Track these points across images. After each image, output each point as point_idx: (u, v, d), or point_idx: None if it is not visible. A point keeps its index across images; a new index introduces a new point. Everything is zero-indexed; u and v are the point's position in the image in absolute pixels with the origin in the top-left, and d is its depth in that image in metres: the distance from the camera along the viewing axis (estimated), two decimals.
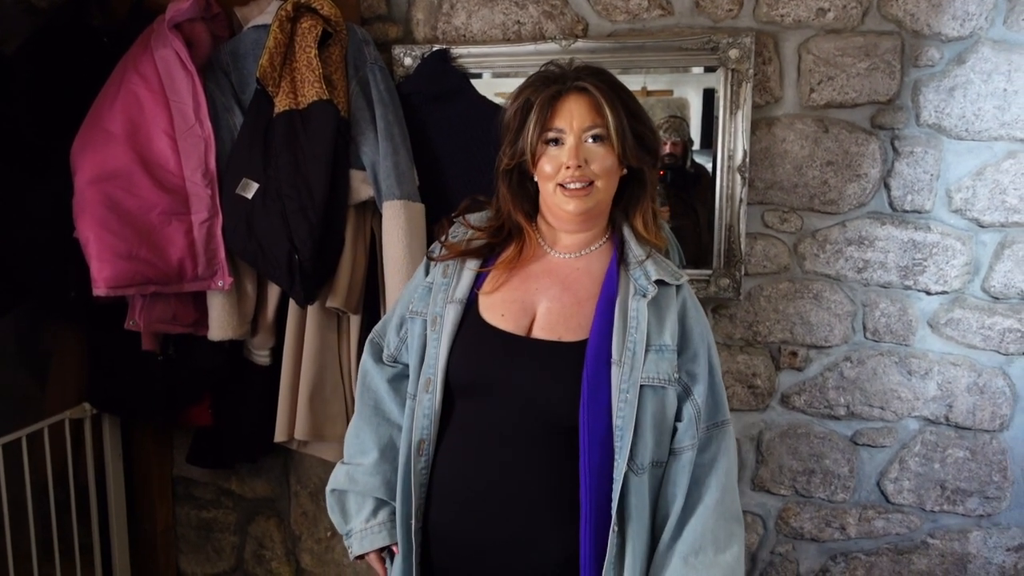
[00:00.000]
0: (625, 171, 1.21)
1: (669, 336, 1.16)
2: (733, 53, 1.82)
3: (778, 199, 1.92)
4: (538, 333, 1.18)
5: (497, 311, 1.20)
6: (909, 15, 1.81)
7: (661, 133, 1.97)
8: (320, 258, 1.77)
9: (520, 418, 1.15)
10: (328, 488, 1.32)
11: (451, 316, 1.21)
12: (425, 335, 1.24)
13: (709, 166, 1.92)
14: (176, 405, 2.05)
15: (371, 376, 1.36)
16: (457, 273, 1.25)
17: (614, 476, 1.11)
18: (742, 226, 1.88)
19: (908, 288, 1.90)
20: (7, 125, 1.80)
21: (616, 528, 1.11)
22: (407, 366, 1.30)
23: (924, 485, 1.96)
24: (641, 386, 1.12)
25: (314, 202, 1.74)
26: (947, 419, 1.93)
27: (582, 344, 1.15)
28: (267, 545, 2.32)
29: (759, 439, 2.02)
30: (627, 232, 1.24)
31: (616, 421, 1.11)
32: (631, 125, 1.16)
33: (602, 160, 1.16)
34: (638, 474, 1.12)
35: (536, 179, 1.22)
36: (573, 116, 1.16)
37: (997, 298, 1.87)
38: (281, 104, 1.77)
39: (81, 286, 1.76)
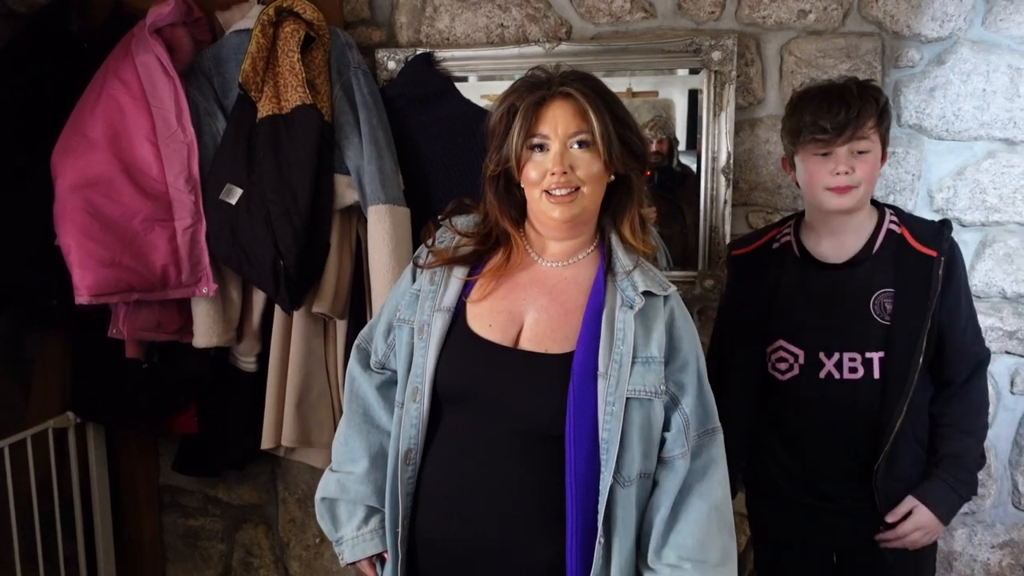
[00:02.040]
0: (612, 177, 1.20)
1: (656, 348, 1.15)
2: (716, 55, 1.83)
3: (762, 200, 1.93)
4: (525, 344, 1.17)
5: (485, 321, 1.19)
6: (889, 16, 1.82)
7: (647, 131, 1.98)
8: (305, 263, 1.76)
9: (506, 429, 1.15)
10: (318, 496, 1.31)
11: (438, 325, 1.19)
12: (412, 343, 1.23)
13: (695, 167, 1.93)
14: (161, 413, 2.04)
15: (359, 383, 1.34)
16: (444, 280, 1.23)
17: (600, 488, 1.11)
18: (727, 227, 1.89)
19: None
20: None
21: (602, 540, 1.11)
22: (395, 372, 1.29)
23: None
24: (627, 398, 1.12)
25: (298, 207, 1.73)
26: None
27: (568, 356, 1.14)
28: (255, 553, 2.31)
29: None
30: (615, 240, 1.22)
31: (602, 433, 1.11)
32: (617, 130, 1.15)
33: (587, 166, 1.15)
34: (624, 486, 1.12)
35: (522, 185, 1.20)
36: (558, 122, 1.15)
37: (979, 297, 1.89)
38: (264, 109, 1.76)
39: (63, 294, 1.75)
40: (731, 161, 1.87)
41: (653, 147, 1.98)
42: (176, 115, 1.77)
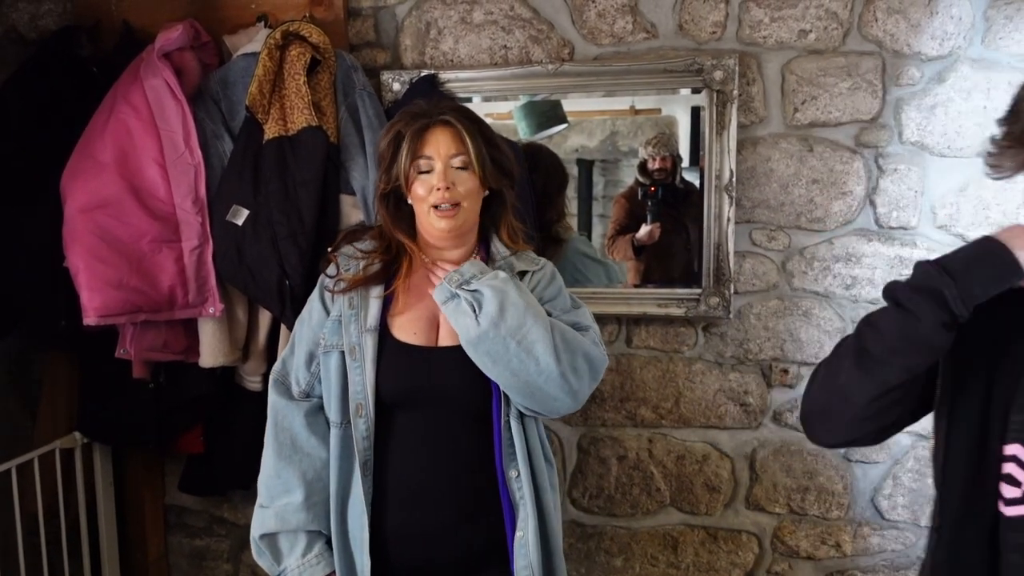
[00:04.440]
0: (487, 192, 1.37)
1: None
2: (717, 75, 1.85)
3: (765, 217, 1.94)
4: (444, 341, 1.35)
5: (409, 330, 1.35)
6: (889, 35, 1.84)
7: (650, 148, 2.00)
8: (311, 283, 1.76)
9: (447, 418, 1.33)
10: (255, 534, 1.35)
11: (370, 344, 1.33)
12: (344, 366, 1.34)
13: (698, 183, 1.94)
14: (167, 433, 2.04)
15: (283, 414, 1.39)
16: (363, 302, 1.36)
17: (516, 446, 1.33)
18: (730, 245, 1.90)
19: None
20: None
21: (515, 474, 1.33)
22: (320, 398, 1.40)
23: (918, 500, 1.96)
24: None
25: (304, 228, 1.74)
26: None
27: None
28: (260, 573, 2.30)
29: (752, 457, 2.02)
30: (494, 239, 1.42)
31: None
32: (489, 152, 1.34)
33: (466, 182, 1.32)
34: (532, 439, 1.36)
35: (411, 202, 1.36)
36: (440, 145, 1.31)
37: None
38: (271, 131, 1.78)
39: (71, 315, 1.76)
40: (734, 179, 1.88)
41: (656, 164, 1.99)
42: (184, 137, 1.79)
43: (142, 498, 2.23)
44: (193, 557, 2.33)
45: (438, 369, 1.32)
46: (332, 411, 1.36)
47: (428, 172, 1.32)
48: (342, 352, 1.34)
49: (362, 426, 1.32)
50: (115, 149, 1.75)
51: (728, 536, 2.06)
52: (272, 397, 1.41)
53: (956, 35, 1.81)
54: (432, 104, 1.36)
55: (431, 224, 1.33)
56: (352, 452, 1.33)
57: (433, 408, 1.33)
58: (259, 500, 1.38)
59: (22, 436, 2.07)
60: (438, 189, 1.30)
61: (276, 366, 1.45)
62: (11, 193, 1.83)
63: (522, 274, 1.38)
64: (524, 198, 1.70)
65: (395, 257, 1.39)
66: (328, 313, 1.38)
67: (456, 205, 1.31)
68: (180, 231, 1.78)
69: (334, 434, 1.36)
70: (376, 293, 1.36)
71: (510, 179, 1.39)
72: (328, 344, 1.36)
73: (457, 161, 1.32)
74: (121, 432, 2.04)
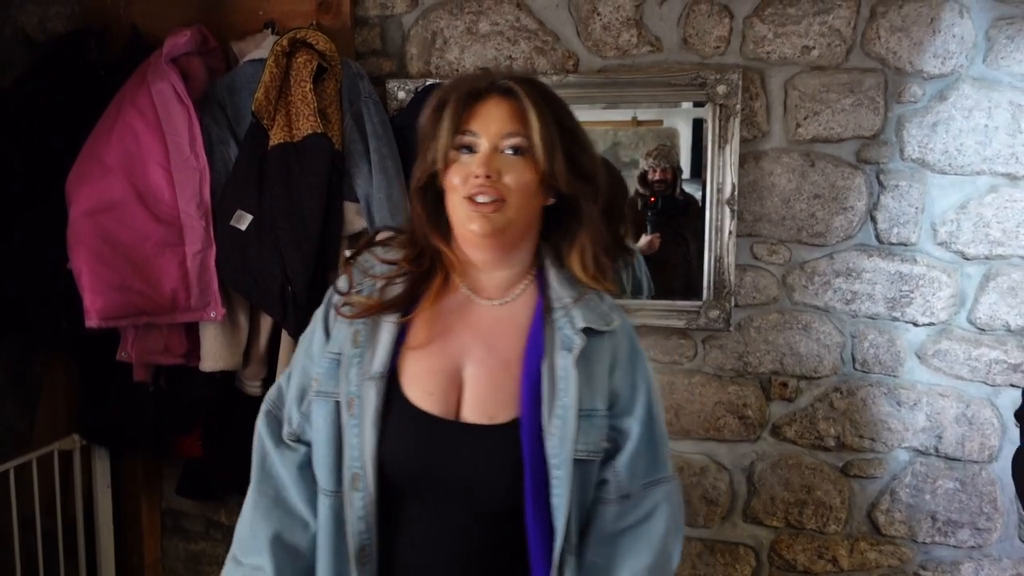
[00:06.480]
0: (552, 200, 1.03)
1: (600, 398, 1.02)
2: (721, 89, 1.86)
3: (766, 231, 1.95)
4: (468, 413, 1.01)
5: (423, 387, 1.01)
6: (892, 53, 1.85)
7: (651, 159, 2.00)
8: (313, 289, 1.77)
9: (465, 513, 1.02)
10: None
11: (371, 397, 1.00)
12: (338, 419, 1.03)
13: (699, 195, 1.95)
14: (166, 436, 2.04)
15: (271, 461, 1.09)
16: (372, 336, 1.02)
17: (552, 558, 1.00)
18: (731, 258, 1.91)
19: (896, 320, 1.92)
20: (2, 157, 1.82)
21: None
22: (310, 447, 1.08)
23: (915, 516, 1.97)
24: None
25: (308, 234, 1.75)
26: (937, 450, 1.94)
27: (515, 425, 1.00)
28: None
29: (751, 470, 2.02)
30: (552, 272, 1.06)
31: (553, 500, 0.99)
32: (563, 143, 0.99)
33: (518, 174, 0.98)
34: (572, 553, 1.02)
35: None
36: (490, 119, 0.98)
37: (983, 329, 1.89)
38: (276, 137, 1.79)
39: (72, 316, 1.76)
40: (735, 193, 1.89)
41: (657, 176, 2.00)
42: (189, 142, 1.79)
43: (139, 501, 2.23)
44: (189, 561, 2.32)
45: (457, 453, 1.00)
46: (322, 475, 1.04)
47: (469, 153, 0.99)
48: (337, 402, 1.03)
49: (358, 502, 1.00)
50: (121, 153, 1.76)
51: (725, 549, 2.06)
52: (261, 434, 1.10)
53: (958, 54, 1.83)
54: (494, 70, 1.07)
55: (461, 223, 0.99)
56: (345, 532, 1.03)
57: (447, 500, 1.01)
58: (232, 549, 1.12)
59: (21, 437, 2.07)
60: (476, 176, 0.96)
61: (271, 392, 1.13)
62: (16, 195, 1.84)
63: (588, 331, 1.01)
64: None
65: (427, 273, 1.05)
66: (328, 341, 1.07)
67: (500, 201, 0.97)
68: (184, 235, 1.79)
69: (324, 504, 1.04)
70: (391, 318, 1.02)
71: (592, 187, 1.02)
72: (322, 390, 1.04)
73: (510, 143, 0.98)
74: (120, 435, 2.04)
